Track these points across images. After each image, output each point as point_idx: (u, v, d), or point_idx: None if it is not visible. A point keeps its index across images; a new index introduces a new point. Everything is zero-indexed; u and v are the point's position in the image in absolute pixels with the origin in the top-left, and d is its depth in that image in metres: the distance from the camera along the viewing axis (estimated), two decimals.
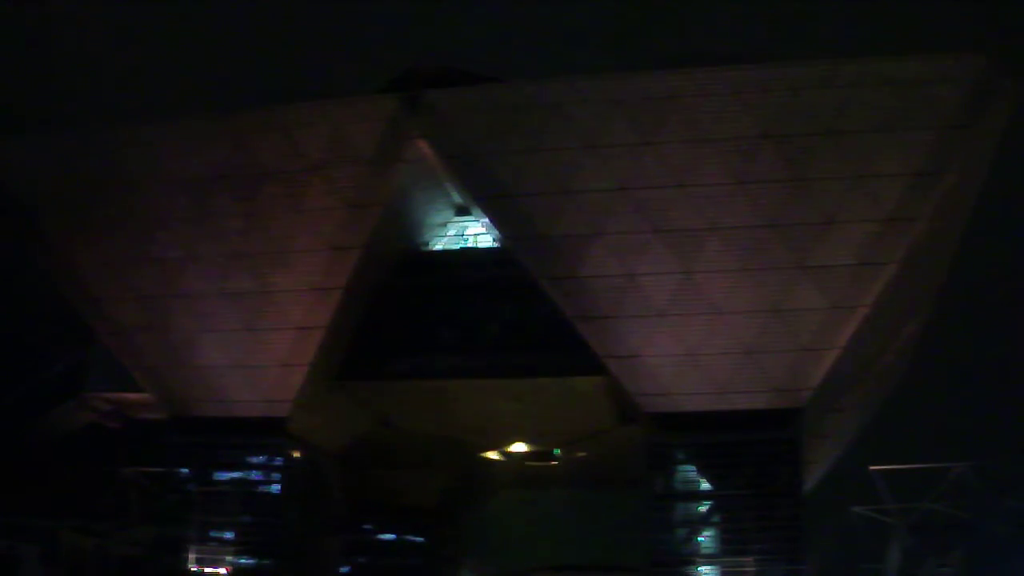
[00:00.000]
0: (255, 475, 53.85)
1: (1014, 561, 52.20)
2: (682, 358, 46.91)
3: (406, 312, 53.66)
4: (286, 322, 50.40)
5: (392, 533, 72.15)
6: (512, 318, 52.24)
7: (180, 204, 50.90)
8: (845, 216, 44.81)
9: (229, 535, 52.63)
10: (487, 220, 49.22)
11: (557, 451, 63.34)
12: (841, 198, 44.75)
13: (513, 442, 62.75)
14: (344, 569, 67.35)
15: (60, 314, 61.77)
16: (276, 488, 53.14)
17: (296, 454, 54.24)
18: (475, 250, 54.12)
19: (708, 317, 46.31)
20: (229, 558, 52.09)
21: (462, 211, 53.59)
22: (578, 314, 47.45)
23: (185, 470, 54.08)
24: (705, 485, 48.58)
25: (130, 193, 51.48)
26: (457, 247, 54.78)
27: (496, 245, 51.21)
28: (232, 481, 53.51)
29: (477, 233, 54.00)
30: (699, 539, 47.95)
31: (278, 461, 53.27)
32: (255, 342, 51.05)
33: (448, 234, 55.01)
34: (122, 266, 52.40)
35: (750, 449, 46.93)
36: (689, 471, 48.75)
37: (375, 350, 53.22)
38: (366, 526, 70.53)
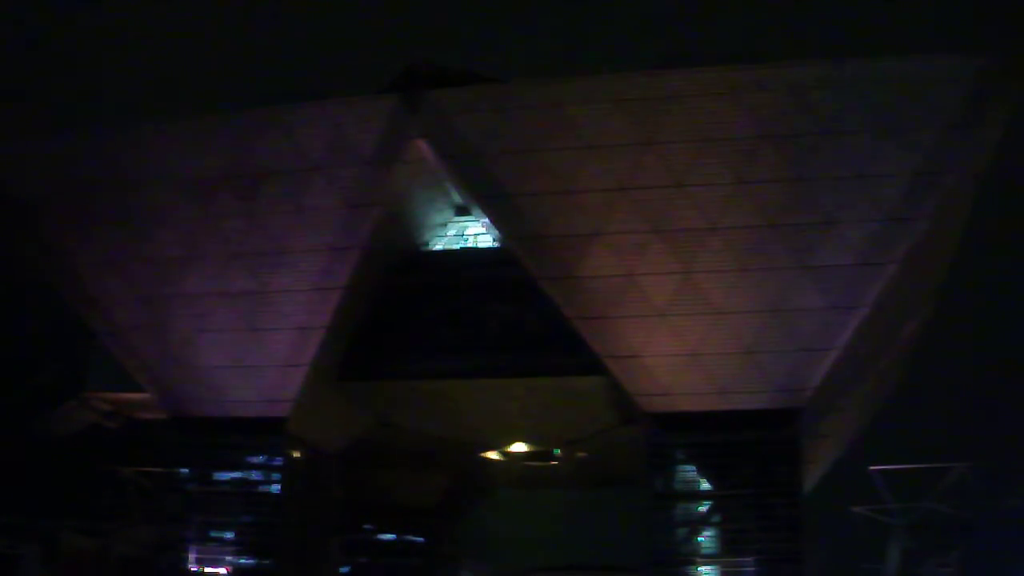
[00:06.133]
0: (255, 475, 53.80)
1: (1013, 561, 52.20)
2: (682, 358, 46.87)
3: (406, 312, 53.64)
4: (286, 322, 50.34)
5: (392, 533, 72.35)
6: (512, 318, 52.17)
7: (180, 204, 50.85)
8: (845, 216, 44.76)
9: (229, 535, 52.66)
10: (487, 220, 49.22)
11: (557, 451, 63.34)
12: (841, 198, 44.69)
13: (513, 442, 62.73)
14: (344, 569, 67.44)
15: (60, 314, 61.81)
16: (276, 488, 53.03)
17: (296, 454, 54.23)
18: (475, 250, 54.09)
19: (708, 317, 46.24)
20: (229, 558, 52.11)
21: (462, 211, 53.58)
22: (577, 314, 47.42)
23: (185, 470, 54.00)
24: (705, 485, 48.54)
25: (130, 193, 51.45)
26: (457, 247, 54.76)
27: (496, 245, 51.21)
28: (232, 481, 53.50)
29: (477, 233, 53.99)
30: (699, 539, 47.94)
31: (278, 461, 53.15)
32: (255, 342, 51.01)
33: (448, 234, 54.99)
34: (121, 266, 52.33)
35: (750, 449, 46.88)
36: (689, 471, 48.70)
37: (375, 350, 53.19)
38: (366, 526, 70.68)
